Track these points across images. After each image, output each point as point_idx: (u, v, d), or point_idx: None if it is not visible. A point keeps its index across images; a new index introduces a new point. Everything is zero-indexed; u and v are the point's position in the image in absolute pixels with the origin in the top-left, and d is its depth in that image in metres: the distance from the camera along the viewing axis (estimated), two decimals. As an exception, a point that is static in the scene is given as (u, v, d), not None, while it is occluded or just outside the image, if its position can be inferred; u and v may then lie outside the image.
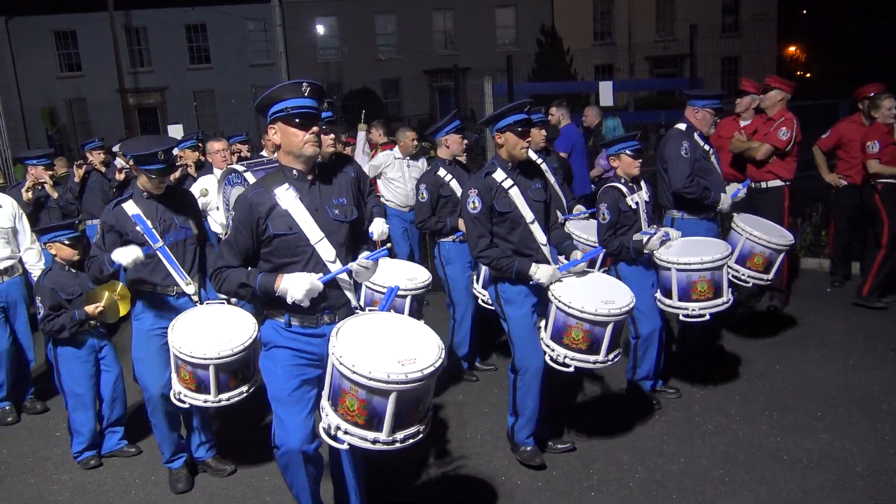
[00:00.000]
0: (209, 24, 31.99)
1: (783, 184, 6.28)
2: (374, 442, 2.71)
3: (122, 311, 4.24)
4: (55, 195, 6.84)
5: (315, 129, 2.99)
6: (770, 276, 5.04)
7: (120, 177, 7.54)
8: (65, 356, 4.34)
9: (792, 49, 41.65)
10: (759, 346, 5.76)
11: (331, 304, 3.07)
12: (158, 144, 3.81)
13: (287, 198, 3.00)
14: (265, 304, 3.11)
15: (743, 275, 5.01)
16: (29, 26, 30.18)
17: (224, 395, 3.62)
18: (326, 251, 3.03)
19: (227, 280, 3.04)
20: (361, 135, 8.54)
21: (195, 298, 3.92)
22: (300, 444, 3.00)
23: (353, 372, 2.63)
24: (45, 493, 4.23)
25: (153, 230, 3.85)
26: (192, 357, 3.53)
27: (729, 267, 4.97)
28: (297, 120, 2.96)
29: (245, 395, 3.69)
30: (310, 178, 3.07)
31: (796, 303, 6.67)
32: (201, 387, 3.60)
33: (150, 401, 4.01)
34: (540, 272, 3.80)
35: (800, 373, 5.21)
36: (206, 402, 3.65)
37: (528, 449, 4.08)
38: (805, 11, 38.35)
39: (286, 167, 3.06)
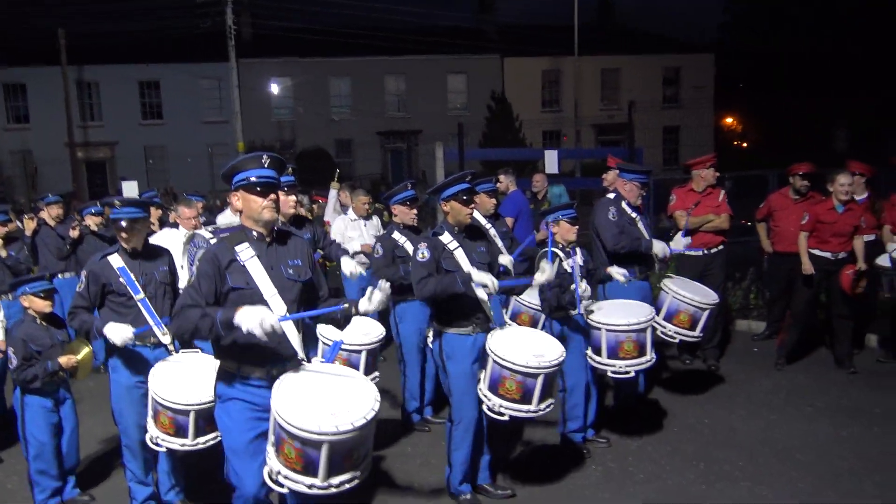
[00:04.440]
0: (163, 80, 32.24)
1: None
2: (311, 487, 2.94)
3: (84, 375, 4.41)
4: (3, 254, 6.63)
5: (273, 196, 3.29)
6: (696, 332, 5.46)
7: (74, 233, 7.61)
8: (31, 406, 4.44)
9: (729, 120, 43.73)
10: (690, 402, 6.13)
11: (280, 358, 3.30)
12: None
13: (246, 255, 3.27)
14: (222, 355, 3.32)
15: (670, 331, 5.44)
16: (-23, 80, 30.04)
17: (201, 439, 3.85)
18: (278, 306, 3.27)
19: (188, 317, 3.16)
20: (333, 193, 8.84)
21: (171, 348, 4.14)
22: (254, 491, 3.23)
23: (288, 423, 2.87)
24: (-4, 544, 4.28)
25: (135, 282, 4.11)
26: (175, 403, 3.75)
27: (657, 324, 5.41)
28: (258, 188, 3.26)
29: (219, 437, 3.87)
30: (268, 239, 3.36)
31: (725, 362, 7.11)
32: (180, 431, 3.82)
33: (129, 448, 4.21)
34: (480, 277, 4.03)
35: (726, 426, 5.58)
36: (183, 445, 3.87)
37: (467, 496, 4.36)
38: (741, 85, 40.45)
39: (247, 228, 3.35)
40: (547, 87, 37.41)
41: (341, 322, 3.50)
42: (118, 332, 3.99)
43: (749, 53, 38.75)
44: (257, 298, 3.23)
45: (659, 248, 5.51)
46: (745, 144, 42.37)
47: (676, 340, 5.57)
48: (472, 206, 4.29)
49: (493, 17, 37.16)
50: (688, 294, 5.38)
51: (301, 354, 3.37)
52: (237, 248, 3.28)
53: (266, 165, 3.30)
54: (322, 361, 3.41)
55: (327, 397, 3.04)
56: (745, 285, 8.89)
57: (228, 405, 3.29)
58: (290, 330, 3.30)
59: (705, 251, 6.80)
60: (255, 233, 3.34)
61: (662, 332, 5.45)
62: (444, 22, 35.66)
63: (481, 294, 4.25)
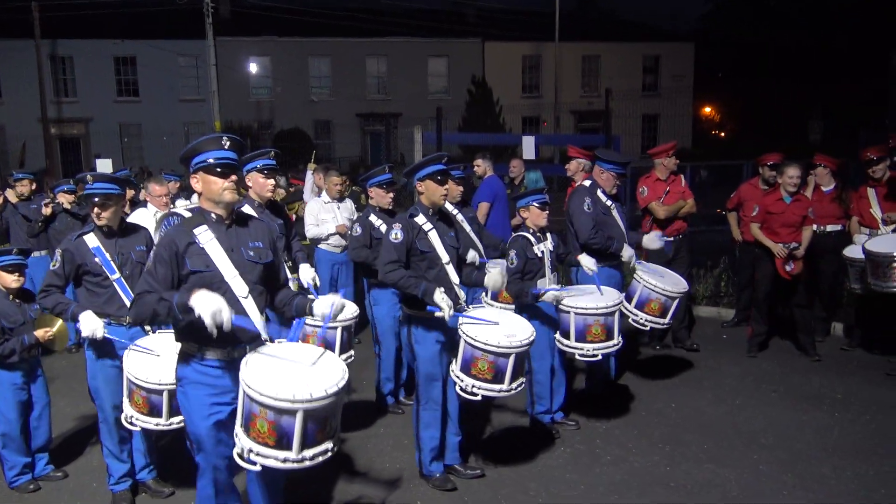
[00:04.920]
0: (139, 57, 31.81)
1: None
2: (285, 461, 2.92)
3: (61, 346, 4.39)
4: None
5: (234, 177, 3.27)
6: (666, 320, 5.57)
7: (46, 211, 7.54)
8: (1, 383, 4.43)
9: (707, 109, 44.06)
10: (659, 387, 6.25)
11: (241, 340, 3.26)
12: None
13: (205, 238, 3.25)
14: (182, 336, 3.29)
15: (641, 319, 5.53)
16: (-53, 51, 29.38)
17: (175, 419, 3.85)
18: (239, 287, 3.28)
19: (145, 302, 3.12)
20: (310, 174, 8.80)
21: (147, 328, 4.15)
22: (213, 476, 3.28)
23: (261, 395, 2.87)
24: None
25: (111, 262, 4.11)
26: (148, 383, 3.78)
27: (629, 312, 5.51)
28: (218, 169, 3.24)
29: None
30: (227, 221, 3.35)
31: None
32: (154, 411, 3.85)
33: (105, 423, 4.23)
34: (436, 296, 4.04)
35: (693, 410, 5.71)
36: (157, 425, 3.90)
37: (438, 476, 4.46)
38: (720, 74, 40.73)
39: (206, 211, 3.33)
40: (527, 72, 37.48)
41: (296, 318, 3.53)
42: (90, 324, 3.99)
43: (730, 43, 39.04)
44: (218, 280, 3.22)
45: (627, 254, 5.61)
46: (723, 134, 42.73)
47: (647, 328, 5.67)
48: (446, 187, 4.33)
49: (475, 1, 37.03)
50: (659, 284, 5.47)
51: (264, 336, 3.35)
52: (195, 231, 3.25)
53: (226, 147, 3.29)
54: (286, 341, 3.42)
55: (295, 371, 3.05)
56: (716, 273, 9.03)
57: (188, 389, 3.27)
58: (252, 311, 3.30)
59: (676, 237, 6.97)
60: (213, 215, 3.31)
61: (634, 320, 5.56)
62: (426, 5, 35.48)
63: (454, 277, 4.31)
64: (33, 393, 4.58)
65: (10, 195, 7.70)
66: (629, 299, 5.57)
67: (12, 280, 4.47)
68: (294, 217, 7.75)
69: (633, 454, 4.94)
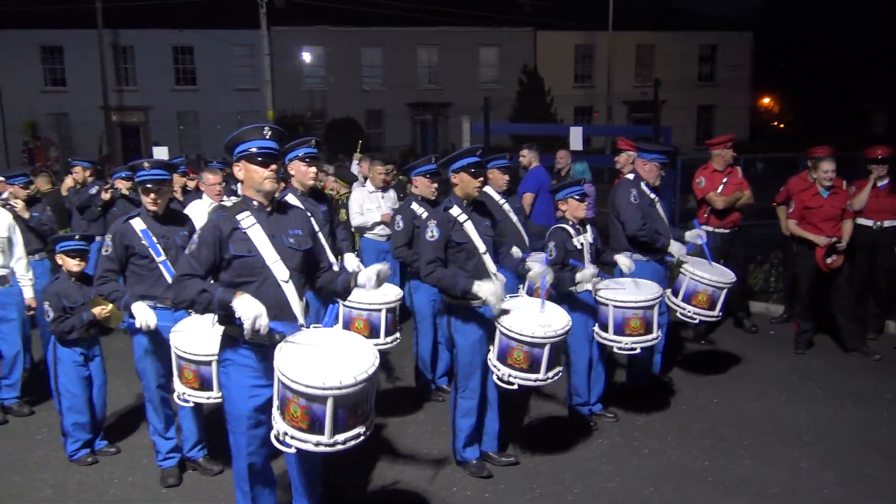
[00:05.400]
0: (196, 47, 32.48)
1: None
2: (317, 444, 3.01)
3: (116, 323, 4.58)
4: (26, 215, 6.62)
5: (274, 167, 3.38)
6: (715, 312, 5.47)
7: (106, 196, 7.83)
8: (64, 360, 4.71)
9: (766, 100, 42.98)
10: (702, 382, 6.21)
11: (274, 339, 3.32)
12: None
13: (247, 223, 3.36)
14: (224, 321, 3.38)
15: (689, 312, 5.47)
16: (15, 40, 30.49)
17: None
18: (281, 272, 3.38)
19: (188, 287, 3.21)
20: (356, 164, 8.92)
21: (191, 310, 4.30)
22: (248, 459, 3.37)
23: (293, 381, 2.97)
24: (28, 491, 4.51)
25: (157, 245, 4.28)
26: (196, 355, 3.93)
27: (676, 306, 5.47)
28: (259, 159, 3.35)
29: None
30: (268, 209, 3.46)
31: (741, 343, 7.17)
32: (205, 384, 4.01)
33: (151, 402, 4.43)
34: (483, 288, 4.14)
35: (735, 406, 5.66)
36: (209, 398, 4.05)
37: (474, 462, 4.53)
38: (782, 64, 39.58)
39: (248, 198, 3.44)
40: (580, 61, 37.04)
41: (342, 294, 3.63)
42: (143, 315, 4.16)
43: (789, 32, 37.93)
44: (259, 265, 3.33)
45: (676, 249, 5.53)
46: (781, 125, 41.64)
47: (696, 321, 5.59)
48: (481, 179, 4.37)
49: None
50: (705, 274, 5.41)
51: (301, 321, 3.44)
52: (238, 217, 3.35)
53: (268, 137, 3.39)
54: (322, 326, 3.51)
55: (328, 357, 3.13)
56: (766, 268, 8.88)
57: (230, 370, 3.38)
58: (291, 295, 3.40)
59: (732, 229, 7.11)
60: (255, 202, 3.42)
61: (682, 314, 5.50)
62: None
63: (491, 266, 4.36)
64: (91, 370, 4.82)
65: (68, 181, 7.97)
66: (675, 293, 5.53)
67: (74, 264, 4.73)
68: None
69: (672, 448, 4.93)
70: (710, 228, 7.02)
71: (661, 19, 36.71)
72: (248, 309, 3.08)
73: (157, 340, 4.31)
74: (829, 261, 6.48)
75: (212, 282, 3.31)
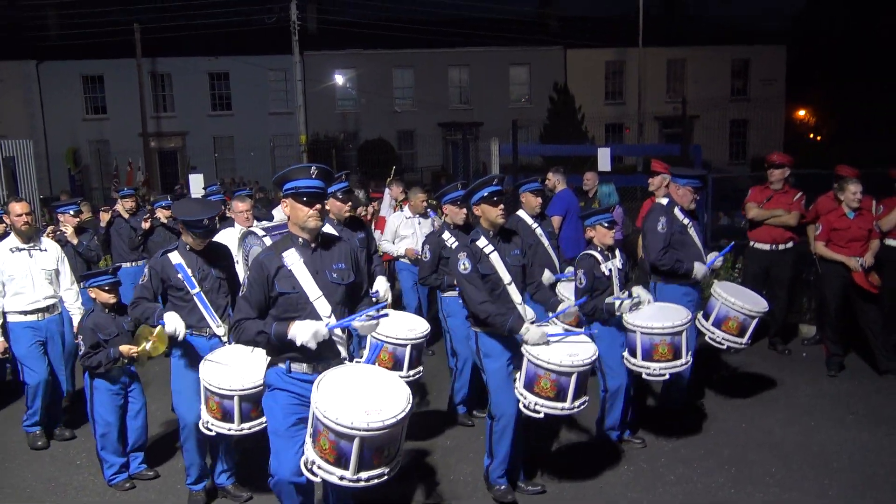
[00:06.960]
0: (232, 72, 33.16)
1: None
2: (341, 478, 3.17)
3: (162, 348, 4.72)
4: (75, 241, 7.00)
5: (318, 206, 3.55)
6: (744, 339, 5.48)
7: (146, 225, 8.12)
8: (99, 388, 4.92)
9: (801, 113, 42.38)
10: (731, 406, 6.18)
11: (325, 356, 3.57)
12: (203, 212, 4.48)
13: (292, 260, 3.55)
14: (273, 352, 3.62)
15: (718, 337, 5.49)
16: (58, 70, 31.57)
17: (245, 425, 4.16)
18: (323, 308, 3.56)
19: (245, 330, 3.53)
20: (388, 190, 9.10)
21: (224, 339, 4.50)
22: (290, 474, 3.50)
23: (325, 416, 3.12)
24: (69, 514, 4.70)
25: (192, 277, 4.47)
26: (220, 389, 4.08)
27: (706, 329, 5.49)
28: (305, 198, 3.53)
29: (264, 424, 4.11)
30: (313, 245, 3.63)
31: (772, 366, 7.12)
32: (227, 416, 4.15)
33: (185, 428, 4.58)
34: (529, 334, 4.26)
35: (763, 430, 5.63)
36: (229, 430, 4.18)
37: (502, 488, 4.57)
38: (819, 74, 38.99)
39: (293, 235, 3.63)
40: (610, 78, 36.95)
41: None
42: (173, 322, 4.37)
43: (825, 43, 37.43)
44: (303, 302, 3.52)
45: (700, 272, 5.55)
46: (819, 138, 40.94)
47: (724, 346, 5.60)
48: (502, 205, 4.43)
49: (555, 10, 36.88)
50: (738, 301, 5.41)
51: (344, 353, 3.65)
52: (284, 255, 3.55)
53: (314, 176, 3.56)
54: (363, 362, 3.65)
55: (363, 395, 3.26)
56: (796, 288, 8.78)
57: (277, 394, 3.59)
58: (336, 334, 3.59)
59: (773, 246, 7.23)
60: (300, 239, 3.61)
61: (710, 338, 5.53)
62: (508, 15, 35.52)
63: (516, 297, 4.43)
64: (130, 396, 5.02)
65: (121, 209, 8.28)
66: (706, 316, 5.56)
67: (108, 297, 4.94)
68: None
69: (698, 474, 4.93)
70: (751, 242, 7.24)
71: (692, 34, 36.52)
72: (305, 333, 3.38)
73: (193, 369, 4.45)
74: (874, 282, 6.48)
75: (266, 320, 3.54)
